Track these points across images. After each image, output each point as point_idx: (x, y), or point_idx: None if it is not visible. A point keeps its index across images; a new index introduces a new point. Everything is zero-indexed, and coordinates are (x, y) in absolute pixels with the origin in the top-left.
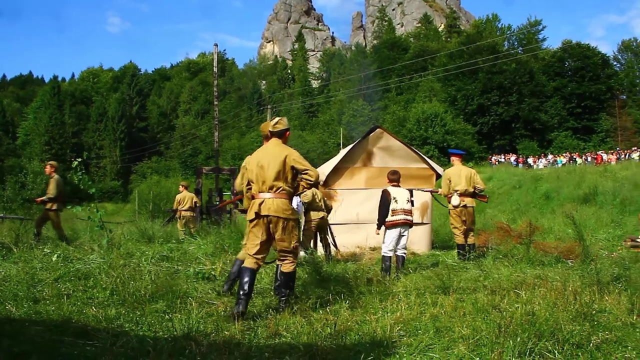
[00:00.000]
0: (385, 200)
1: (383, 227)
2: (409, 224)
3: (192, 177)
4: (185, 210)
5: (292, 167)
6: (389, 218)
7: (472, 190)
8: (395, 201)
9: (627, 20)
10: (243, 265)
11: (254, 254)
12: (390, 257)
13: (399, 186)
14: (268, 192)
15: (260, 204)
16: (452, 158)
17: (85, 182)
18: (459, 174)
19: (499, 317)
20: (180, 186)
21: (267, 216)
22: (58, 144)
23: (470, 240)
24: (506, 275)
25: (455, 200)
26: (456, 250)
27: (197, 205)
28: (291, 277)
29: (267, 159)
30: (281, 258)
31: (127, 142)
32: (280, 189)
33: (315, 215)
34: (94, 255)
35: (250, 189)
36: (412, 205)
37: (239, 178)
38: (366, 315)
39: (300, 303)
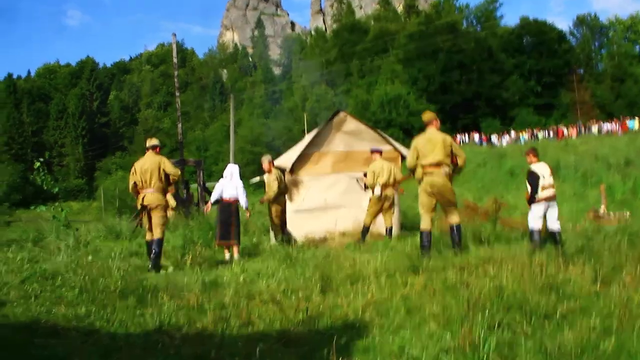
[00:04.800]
0: (535, 179)
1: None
2: (554, 197)
3: None
4: None
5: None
6: (540, 194)
7: (393, 181)
8: (543, 177)
9: None
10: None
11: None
12: (539, 230)
13: (540, 161)
14: (437, 167)
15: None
16: (374, 155)
17: (48, 182)
18: (382, 168)
19: (467, 293)
20: None
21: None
22: (18, 144)
23: (388, 222)
24: (474, 252)
25: (378, 190)
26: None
27: None
28: (459, 226)
29: (435, 140)
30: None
31: (89, 138)
32: (446, 164)
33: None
34: (61, 255)
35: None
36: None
37: (411, 157)
38: (338, 299)
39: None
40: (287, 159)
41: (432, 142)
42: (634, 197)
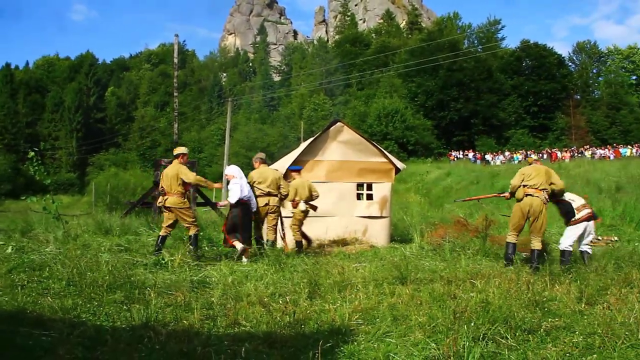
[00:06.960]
0: (567, 205)
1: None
2: (591, 219)
3: (150, 169)
4: None
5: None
6: (578, 215)
7: (310, 198)
8: (573, 201)
9: (589, 23)
10: (507, 240)
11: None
12: (571, 251)
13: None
14: (541, 192)
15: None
16: (293, 174)
17: (41, 173)
18: (303, 185)
19: (454, 304)
20: None
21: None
22: (11, 134)
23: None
24: (463, 267)
25: (303, 205)
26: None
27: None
28: (540, 252)
29: (540, 169)
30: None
31: (83, 133)
32: (545, 191)
33: (260, 202)
34: (50, 247)
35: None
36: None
37: (516, 179)
38: (325, 304)
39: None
40: (281, 166)
41: (537, 170)
42: (623, 223)
